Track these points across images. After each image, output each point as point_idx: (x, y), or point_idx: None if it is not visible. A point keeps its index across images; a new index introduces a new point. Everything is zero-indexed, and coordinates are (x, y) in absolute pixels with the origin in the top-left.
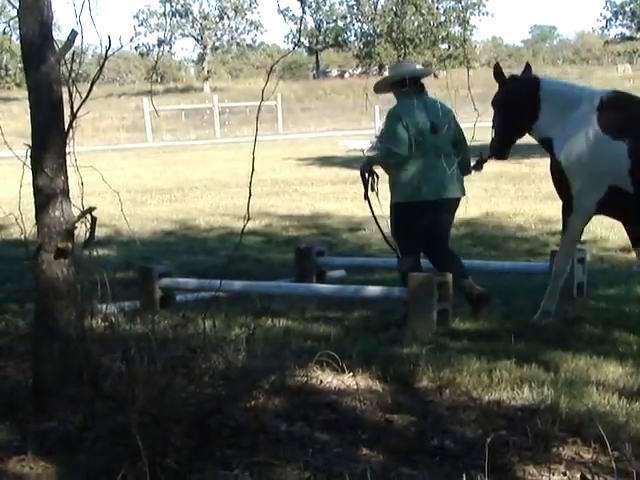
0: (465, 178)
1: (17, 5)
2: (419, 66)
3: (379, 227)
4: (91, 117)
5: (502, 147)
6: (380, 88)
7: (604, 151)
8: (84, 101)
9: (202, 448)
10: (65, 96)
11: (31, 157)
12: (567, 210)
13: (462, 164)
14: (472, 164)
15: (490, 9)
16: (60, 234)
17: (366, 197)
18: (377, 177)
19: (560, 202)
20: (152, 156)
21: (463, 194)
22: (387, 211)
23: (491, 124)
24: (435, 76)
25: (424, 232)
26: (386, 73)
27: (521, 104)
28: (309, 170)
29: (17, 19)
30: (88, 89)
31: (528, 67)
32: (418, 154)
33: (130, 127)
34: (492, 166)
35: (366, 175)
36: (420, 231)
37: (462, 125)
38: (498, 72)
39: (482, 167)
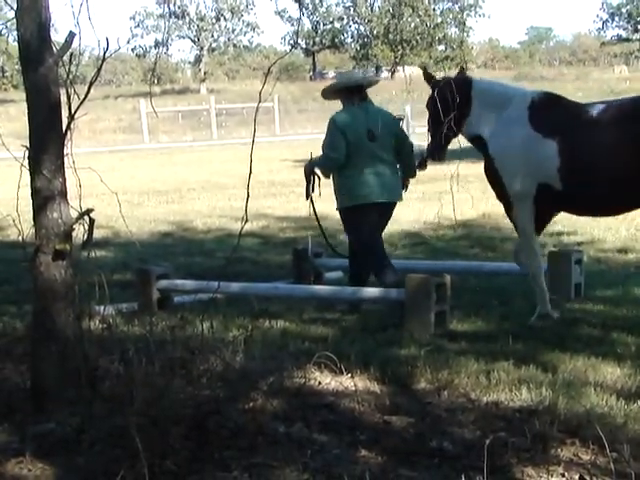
0: (461, 179)
1: (15, 7)
2: (367, 74)
3: (320, 226)
4: (88, 119)
5: (438, 148)
6: (327, 95)
7: (535, 149)
8: (82, 102)
9: (200, 450)
10: (63, 98)
11: (29, 158)
12: (508, 209)
13: (407, 168)
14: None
15: (486, 11)
16: (58, 236)
17: (307, 197)
18: (319, 179)
19: None
20: (149, 158)
21: (399, 199)
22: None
23: (427, 127)
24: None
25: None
26: (383, 75)
27: (454, 104)
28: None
29: (15, 20)
30: (86, 91)
31: (462, 69)
32: (356, 160)
33: (127, 129)
34: None
35: (309, 177)
36: (374, 225)
37: None
38: (427, 75)
39: (426, 166)
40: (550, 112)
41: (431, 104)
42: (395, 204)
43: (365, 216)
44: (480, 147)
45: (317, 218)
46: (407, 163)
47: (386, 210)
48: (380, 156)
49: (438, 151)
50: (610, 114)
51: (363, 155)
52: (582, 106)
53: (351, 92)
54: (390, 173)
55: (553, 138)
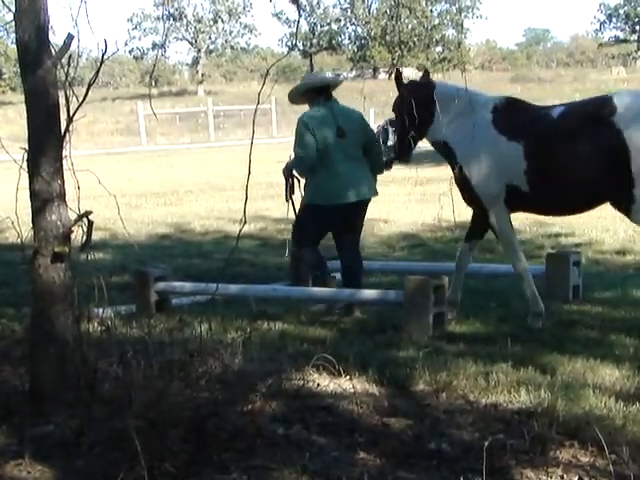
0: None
1: (13, 9)
2: (329, 75)
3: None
4: (85, 121)
5: (403, 150)
6: (293, 99)
7: (501, 152)
8: (80, 105)
9: (199, 452)
10: (61, 100)
11: (28, 161)
12: (483, 214)
13: (374, 165)
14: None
15: (484, 12)
16: (57, 238)
17: (287, 199)
18: (298, 181)
19: None
20: (146, 160)
21: (374, 194)
22: None
23: (393, 128)
24: None
25: (335, 231)
26: (380, 76)
27: (418, 108)
28: None
29: (13, 23)
30: (84, 93)
31: (426, 73)
32: (325, 158)
33: (124, 131)
34: None
35: (288, 179)
36: (325, 231)
37: None
38: (398, 78)
39: (391, 166)
40: (513, 115)
41: (396, 107)
42: (366, 201)
43: (324, 217)
44: (444, 153)
45: (296, 219)
46: (375, 160)
47: (357, 208)
48: (350, 153)
49: (404, 153)
50: (570, 116)
51: (333, 153)
52: (544, 109)
53: (316, 93)
54: (361, 170)
55: (518, 141)
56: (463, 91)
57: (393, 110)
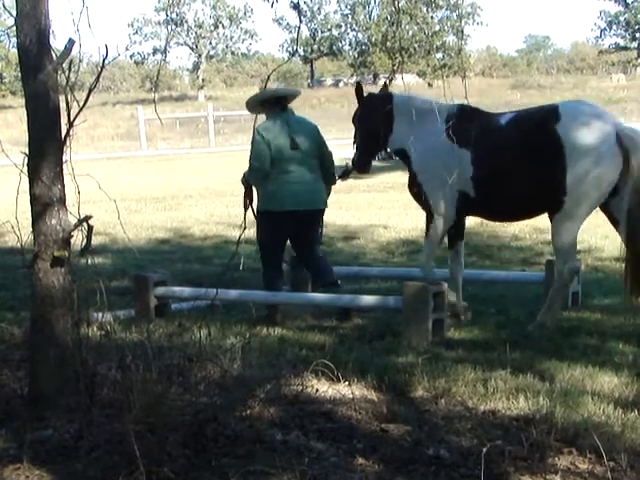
0: None
1: (14, 13)
2: (286, 87)
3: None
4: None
5: (363, 161)
6: (251, 109)
7: (452, 159)
8: (81, 110)
9: (198, 457)
10: (61, 104)
11: (28, 165)
12: (430, 219)
13: (327, 176)
14: (339, 174)
15: (484, 19)
16: (57, 242)
17: (245, 209)
18: (256, 190)
19: None
20: (147, 164)
21: (325, 206)
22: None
23: (353, 140)
24: (430, 85)
25: (291, 241)
26: (380, 82)
27: (377, 119)
28: None
29: (14, 27)
30: (85, 97)
31: (385, 85)
32: (279, 168)
33: (125, 135)
34: None
35: (246, 188)
36: (282, 239)
37: None
38: (358, 91)
39: (348, 177)
40: (465, 124)
41: (356, 119)
42: (319, 211)
43: (277, 224)
44: (404, 160)
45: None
46: (328, 171)
47: (308, 217)
48: (303, 164)
49: (363, 164)
50: (516, 124)
51: (286, 163)
52: (493, 116)
53: (273, 104)
54: (313, 181)
55: (467, 148)
56: (420, 101)
57: (353, 122)
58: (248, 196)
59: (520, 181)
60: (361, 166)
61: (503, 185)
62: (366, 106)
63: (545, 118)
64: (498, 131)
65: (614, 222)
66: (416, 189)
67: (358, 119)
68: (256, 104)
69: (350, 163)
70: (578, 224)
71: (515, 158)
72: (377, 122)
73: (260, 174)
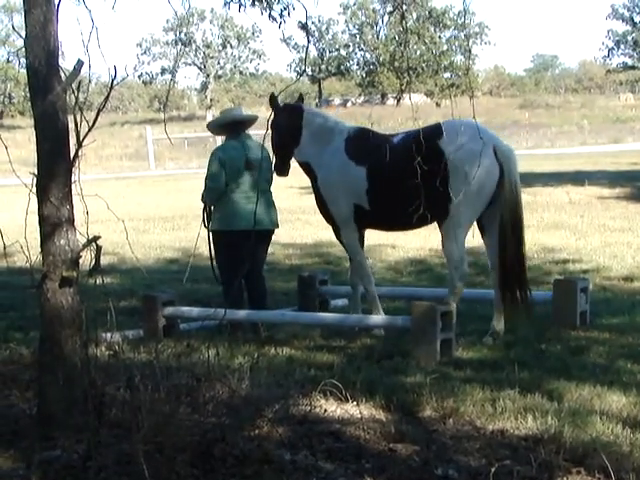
0: None
1: (24, 35)
2: (245, 112)
3: (210, 255)
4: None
5: (280, 165)
6: (212, 131)
7: (349, 175)
8: (90, 130)
9: (206, 477)
10: (70, 124)
11: (37, 185)
12: (336, 230)
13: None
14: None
15: (492, 38)
16: (65, 262)
17: (205, 225)
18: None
19: (562, 230)
20: (155, 184)
21: (273, 227)
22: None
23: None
24: (437, 105)
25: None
26: (389, 102)
27: (288, 129)
28: (312, 198)
29: (23, 48)
30: (94, 117)
31: (300, 98)
32: (233, 188)
33: (133, 155)
34: None
35: (205, 207)
36: (233, 257)
37: None
38: (272, 101)
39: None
40: (361, 143)
41: (272, 125)
42: (271, 231)
43: (230, 243)
44: (308, 173)
45: (210, 249)
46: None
47: (260, 237)
48: (256, 186)
49: (279, 168)
50: (405, 142)
51: (240, 184)
52: (387, 136)
53: (231, 128)
54: (265, 202)
55: (363, 165)
56: (325, 118)
57: (270, 128)
58: (207, 215)
59: (409, 194)
60: (278, 170)
61: (394, 198)
62: (280, 116)
63: (430, 135)
64: (389, 149)
65: (482, 231)
66: (320, 203)
67: (273, 127)
68: (216, 127)
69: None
70: (464, 231)
71: (404, 173)
72: (287, 132)
73: (214, 194)
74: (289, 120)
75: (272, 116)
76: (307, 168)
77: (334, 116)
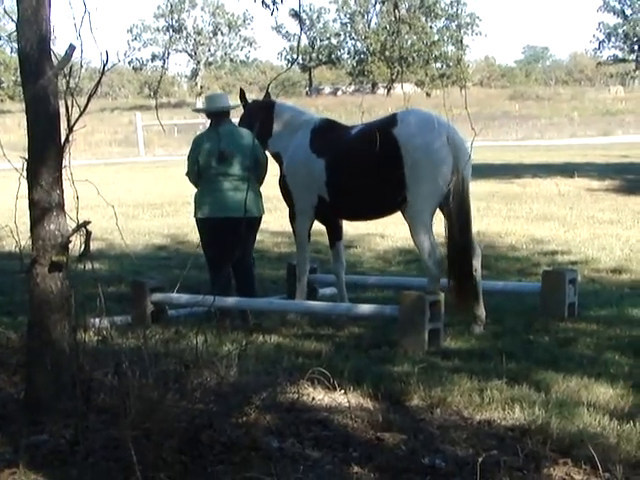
0: None
1: (15, 18)
2: (227, 101)
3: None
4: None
5: None
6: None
7: (312, 166)
8: (80, 115)
9: (194, 463)
10: (61, 109)
11: (27, 170)
12: (292, 216)
13: (259, 181)
14: None
15: (483, 29)
16: (55, 247)
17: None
18: None
19: (551, 222)
20: (144, 171)
21: (253, 214)
22: None
23: None
24: (428, 95)
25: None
26: (379, 91)
27: (259, 123)
28: None
29: (15, 32)
30: (85, 103)
31: (268, 93)
32: (207, 177)
33: (122, 141)
34: (483, 186)
35: None
36: (215, 245)
37: None
38: (242, 96)
39: None
40: (324, 135)
41: (242, 121)
42: (250, 219)
43: (208, 229)
44: (279, 163)
45: None
46: (259, 176)
47: (236, 225)
48: (230, 174)
49: None
50: (363, 132)
51: (212, 174)
52: (348, 128)
53: (212, 116)
54: (240, 190)
55: (323, 157)
56: (295, 110)
57: (239, 124)
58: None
59: (367, 183)
60: None
61: (353, 188)
62: (251, 110)
63: (385, 125)
64: (348, 141)
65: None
66: (284, 190)
67: (243, 121)
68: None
69: None
70: (428, 219)
71: (362, 163)
72: (259, 125)
73: (191, 181)
74: (260, 114)
75: (243, 112)
76: (278, 159)
77: (305, 109)
